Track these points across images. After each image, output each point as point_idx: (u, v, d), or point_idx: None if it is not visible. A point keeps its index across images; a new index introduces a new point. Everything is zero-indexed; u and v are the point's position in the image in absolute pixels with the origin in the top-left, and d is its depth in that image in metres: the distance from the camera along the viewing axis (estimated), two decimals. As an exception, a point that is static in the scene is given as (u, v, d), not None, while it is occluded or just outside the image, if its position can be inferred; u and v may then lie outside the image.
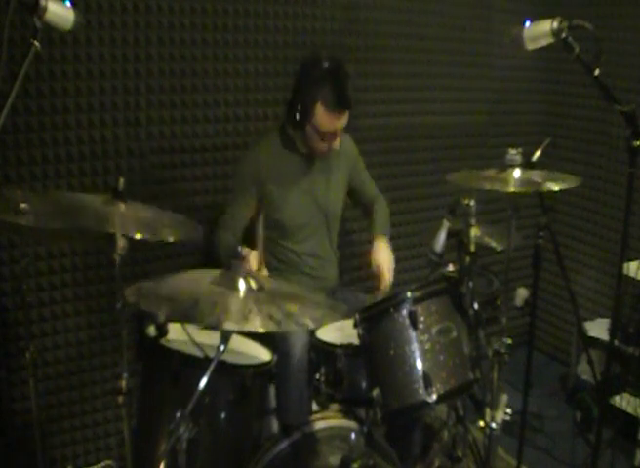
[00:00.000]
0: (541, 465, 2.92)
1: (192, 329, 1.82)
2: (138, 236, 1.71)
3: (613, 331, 2.21)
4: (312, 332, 2.11)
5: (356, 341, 1.91)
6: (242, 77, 2.79)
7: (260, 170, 2.39)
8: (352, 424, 1.92)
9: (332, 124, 2.29)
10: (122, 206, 1.82)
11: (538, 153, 2.28)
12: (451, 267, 2.10)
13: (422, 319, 1.80)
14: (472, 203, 2.00)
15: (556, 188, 2.14)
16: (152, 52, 2.58)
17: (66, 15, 1.58)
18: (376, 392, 1.82)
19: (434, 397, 1.77)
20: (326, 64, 2.28)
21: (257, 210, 2.46)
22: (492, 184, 2.17)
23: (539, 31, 1.83)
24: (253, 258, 2.33)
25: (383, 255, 2.53)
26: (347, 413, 1.96)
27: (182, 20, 2.62)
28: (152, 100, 2.61)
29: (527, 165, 2.22)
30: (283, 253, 2.49)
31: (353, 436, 1.90)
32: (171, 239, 1.77)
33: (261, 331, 1.42)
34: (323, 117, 2.27)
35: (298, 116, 2.30)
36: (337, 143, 2.35)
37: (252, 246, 2.43)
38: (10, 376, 2.48)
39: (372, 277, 2.53)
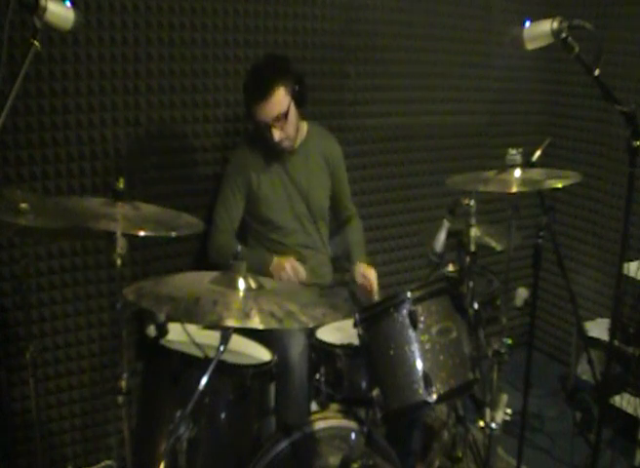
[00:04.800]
0: (541, 465, 2.92)
1: (192, 329, 1.82)
2: (140, 233, 1.72)
3: (613, 331, 2.21)
4: (312, 333, 2.11)
5: (356, 341, 1.91)
6: (242, 77, 2.78)
7: (248, 172, 2.50)
8: (352, 424, 1.92)
9: (261, 114, 2.38)
10: (122, 205, 1.82)
11: (538, 153, 2.28)
12: (451, 267, 2.10)
13: (422, 319, 1.80)
14: (472, 203, 2.01)
15: (559, 185, 2.13)
16: (152, 52, 2.58)
17: (66, 15, 1.58)
18: (376, 392, 1.82)
19: (434, 397, 1.77)
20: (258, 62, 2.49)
21: (245, 210, 2.55)
22: (492, 186, 2.16)
23: (539, 31, 1.83)
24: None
25: (369, 271, 2.54)
26: (347, 413, 1.95)
27: (182, 20, 2.62)
28: (152, 100, 2.61)
29: (527, 165, 2.22)
30: (275, 246, 2.55)
31: (353, 436, 1.90)
32: (172, 234, 1.78)
33: (262, 327, 1.41)
34: (254, 112, 2.40)
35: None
36: (277, 134, 2.40)
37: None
38: (10, 376, 2.48)
39: (360, 290, 2.56)
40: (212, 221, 2.52)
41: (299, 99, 2.42)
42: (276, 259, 2.41)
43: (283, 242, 2.55)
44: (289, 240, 2.56)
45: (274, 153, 2.52)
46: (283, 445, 1.83)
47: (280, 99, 2.36)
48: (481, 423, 2.12)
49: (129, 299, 1.51)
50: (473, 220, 2.02)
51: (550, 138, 2.37)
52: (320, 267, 2.63)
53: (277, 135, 2.40)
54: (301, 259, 2.56)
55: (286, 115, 2.38)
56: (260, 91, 2.36)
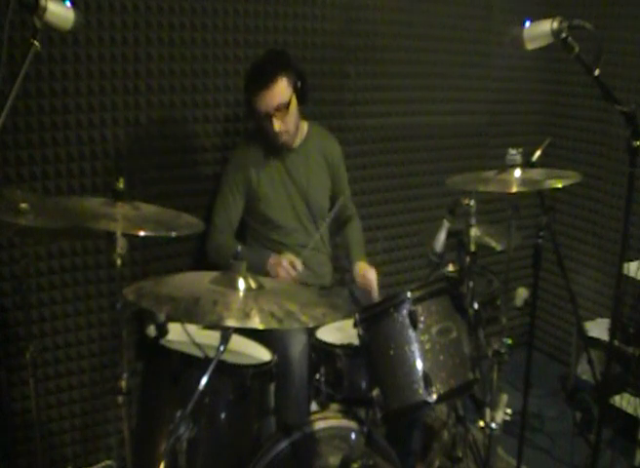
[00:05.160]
0: (541, 465, 2.92)
1: (192, 329, 1.82)
2: (140, 233, 1.72)
3: (613, 331, 2.21)
4: (312, 333, 2.11)
5: (356, 341, 1.91)
6: (242, 77, 2.78)
7: (248, 170, 2.50)
8: (352, 424, 1.91)
9: (262, 104, 2.38)
10: (122, 205, 1.82)
11: (538, 153, 2.28)
12: (451, 267, 2.10)
13: (422, 319, 1.80)
14: (472, 203, 2.01)
15: (558, 185, 2.13)
16: (152, 52, 2.58)
17: (66, 15, 1.58)
18: (376, 392, 1.82)
19: (434, 397, 1.77)
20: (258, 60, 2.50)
21: (245, 209, 2.55)
22: (492, 186, 2.16)
23: (539, 31, 1.83)
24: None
25: (369, 271, 2.55)
26: (347, 413, 1.95)
27: (182, 20, 2.62)
28: (152, 100, 2.61)
29: (527, 165, 2.22)
30: (275, 246, 2.55)
31: (353, 436, 1.90)
32: (172, 234, 1.78)
33: (262, 327, 1.41)
34: (255, 102, 2.40)
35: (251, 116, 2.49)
36: (278, 124, 2.40)
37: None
38: (10, 376, 2.48)
39: (359, 290, 2.57)
40: (210, 221, 2.52)
41: (300, 95, 2.43)
42: (273, 256, 2.42)
43: (283, 242, 2.55)
44: (289, 240, 2.56)
45: (274, 152, 2.52)
46: (283, 445, 1.83)
47: (282, 90, 2.37)
48: (481, 423, 2.12)
49: (129, 299, 1.51)
50: (473, 220, 2.02)
51: (550, 138, 2.37)
52: (320, 267, 2.64)
53: (278, 125, 2.39)
54: (301, 260, 2.56)
55: (287, 106, 2.38)
56: (262, 80, 2.37)
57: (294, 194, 2.56)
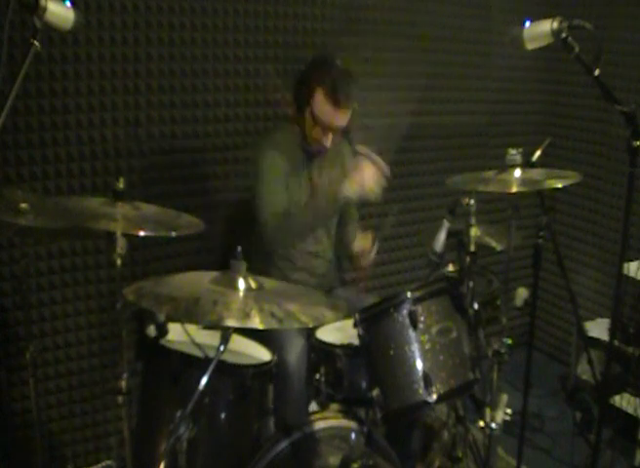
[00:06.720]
0: (541, 465, 2.92)
1: (192, 329, 1.82)
2: (140, 233, 1.72)
3: (613, 331, 2.21)
4: (312, 333, 2.11)
5: (356, 341, 1.91)
6: (242, 77, 2.79)
7: (282, 159, 2.41)
8: (352, 424, 1.92)
9: (328, 114, 2.32)
10: (122, 205, 1.82)
11: (538, 153, 2.28)
12: (451, 267, 2.11)
13: (422, 319, 1.80)
14: (472, 203, 2.01)
15: (558, 185, 2.14)
16: (152, 52, 2.58)
17: (66, 15, 1.58)
18: (376, 392, 1.83)
19: (434, 397, 1.77)
20: (337, 61, 2.39)
21: None
22: (492, 186, 2.17)
23: (539, 31, 1.83)
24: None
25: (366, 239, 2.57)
26: (347, 413, 1.95)
27: (182, 20, 2.62)
28: (152, 100, 2.61)
29: (527, 165, 2.22)
30: (283, 251, 2.51)
31: (353, 436, 1.90)
32: (172, 234, 1.78)
33: (262, 327, 1.41)
34: (320, 104, 2.31)
35: (299, 99, 2.37)
36: (329, 141, 2.37)
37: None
38: (10, 376, 2.48)
39: (353, 259, 2.61)
40: (266, 205, 2.36)
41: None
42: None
43: (293, 247, 2.51)
44: (298, 245, 2.51)
45: (300, 158, 2.47)
46: (283, 445, 1.83)
47: (349, 116, 2.38)
48: (481, 423, 2.13)
49: (129, 299, 1.51)
50: (473, 220, 2.02)
51: (550, 138, 2.37)
52: (326, 275, 2.61)
53: (329, 141, 2.38)
54: (309, 268, 2.54)
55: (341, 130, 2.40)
56: (345, 98, 2.32)
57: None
